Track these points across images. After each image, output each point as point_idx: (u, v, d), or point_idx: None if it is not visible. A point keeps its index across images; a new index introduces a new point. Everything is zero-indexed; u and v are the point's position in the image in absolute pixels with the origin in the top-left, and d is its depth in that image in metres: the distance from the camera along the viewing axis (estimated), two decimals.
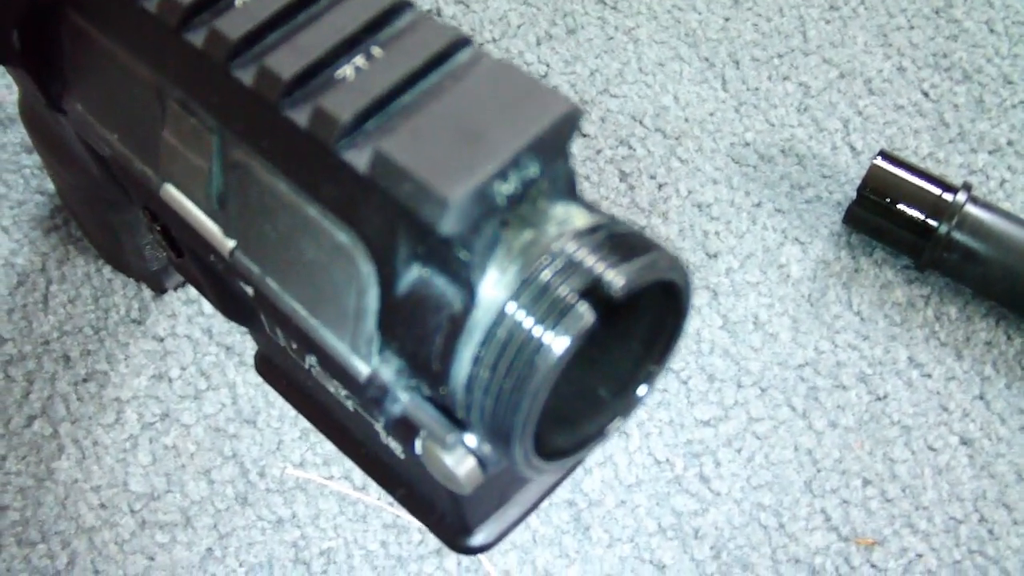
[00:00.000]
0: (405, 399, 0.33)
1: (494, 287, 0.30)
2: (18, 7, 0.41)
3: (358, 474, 0.63)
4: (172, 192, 0.37)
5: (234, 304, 0.43)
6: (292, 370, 0.44)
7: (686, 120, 0.76)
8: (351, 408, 0.40)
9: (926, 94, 0.79)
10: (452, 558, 0.60)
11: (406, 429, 0.33)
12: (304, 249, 0.33)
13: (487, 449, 0.33)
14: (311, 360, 0.38)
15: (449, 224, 0.28)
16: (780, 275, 0.70)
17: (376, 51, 0.32)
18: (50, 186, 0.72)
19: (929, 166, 0.75)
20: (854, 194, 0.70)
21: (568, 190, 0.32)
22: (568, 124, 0.30)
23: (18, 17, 0.41)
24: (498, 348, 0.30)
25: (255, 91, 0.32)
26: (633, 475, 0.63)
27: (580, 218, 0.31)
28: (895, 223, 0.69)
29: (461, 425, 0.32)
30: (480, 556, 0.60)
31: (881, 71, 0.80)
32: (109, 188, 0.49)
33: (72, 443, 0.64)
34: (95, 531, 0.62)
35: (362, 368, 0.33)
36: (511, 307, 0.30)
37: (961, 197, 0.68)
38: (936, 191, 0.69)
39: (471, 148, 0.28)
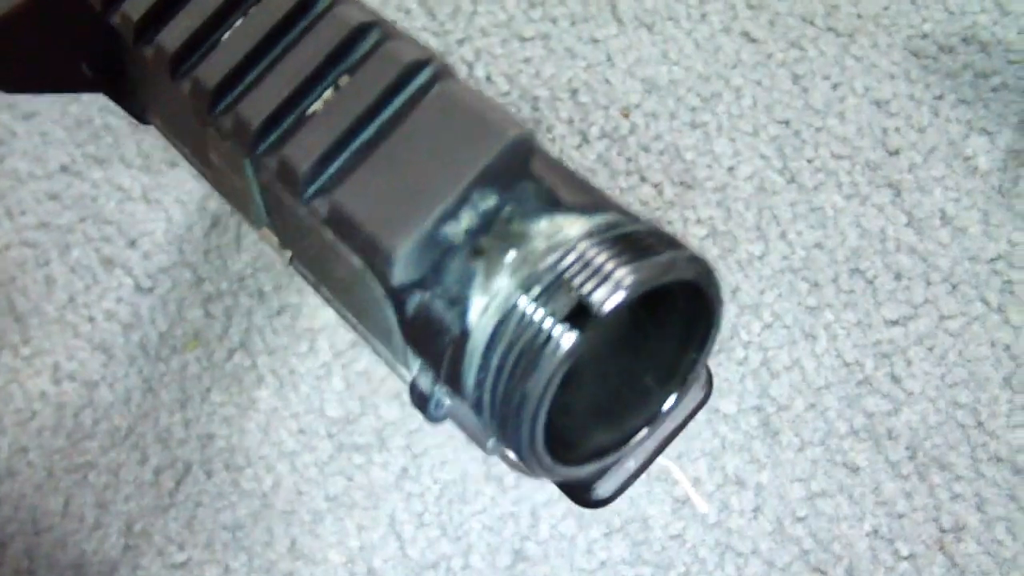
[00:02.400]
0: (447, 403, 0.33)
1: (483, 313, 0.30)
2: (84, 40, 0.43)
3: None
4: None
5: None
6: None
7: (859, 16, 0.73)
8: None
9: None
10: None
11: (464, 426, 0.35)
12: (335, 266, 0.34)
13: None
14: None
15: (399, 274, 0.29)
16: (967, 168, 0.67)
17: (343, 80, 0.32)
18: None
19: None
20: None
21: (549, 203, 0.30)
22: (519, 150, 0.29)
23: (86, 48, 0.43)
24: (493, 372, 0.30)
25: (231, 133, 0.33)
26: (822, 378, 0.62)
27: (572, 226, 0.30)
28: None
29: None
30: (670, 464, 0.60)
31: None
32: None
33: (270, 373, 0.67)
34: (296, 455, 0.64)
35: (406, 374, 0.34)
36: (500, 331, 0.29)
37: None
38: None
39: (417, 192, 0.28)
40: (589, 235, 0.30)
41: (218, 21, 0.35)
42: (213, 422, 0.66)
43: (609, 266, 0.28)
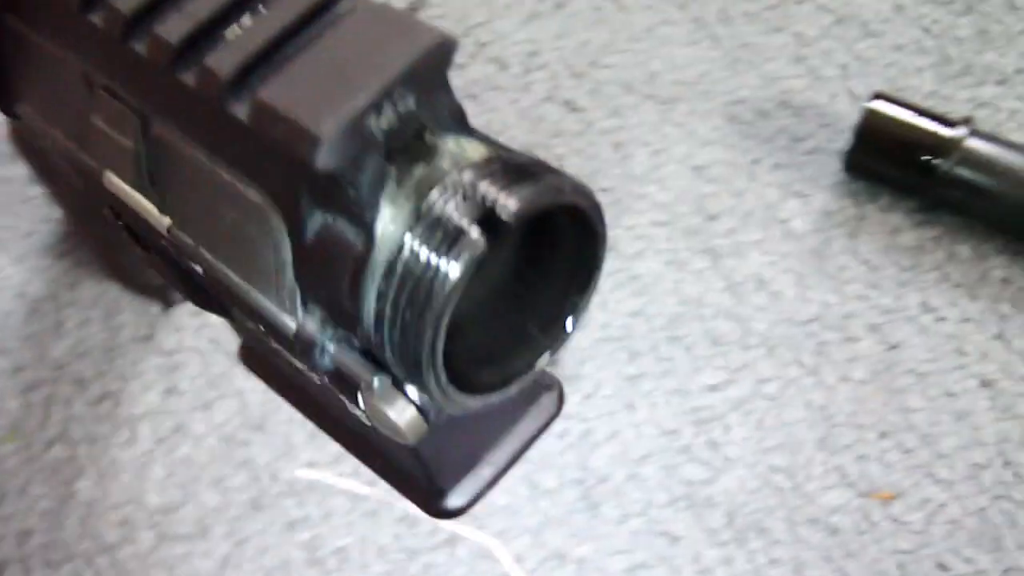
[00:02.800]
0: (332, 349, 0.33)
1: (391, 222, 0.30)
2: None
3: (366, 470, 0.63)
4: (112, 179, 0.38)
5: (196, 289, 0.44)
6: (266, 352, 0.45)
7: (678, 84, 0.75)
8: (318, 381, 0.40)
9: (927, 30, 0.76)
10: (464, 546, 0.60)
11: (347, 385, 0.34)
12: (224, 213, 0.34)
13: (419, 394, 0.34)
14: (259, 328, 0.39)
15: (324, 159, 0.28)
16: (783, 231, 0.69)
17: (261, 9, 0.33)
18: (57, 213, 0.73)
19: (933, 104, 0.73)
20: None
21: (457, 123, 0.32)
22: (440, 55, 0.30)
23: None
24: (398, 281, 0.30)
25: (148, 59, 0.33)
26: (642, 447, 0.62)
27: (475, 150, 0.32)
28: (896, 165, 0.67)
29: (385, 368, 0.33)
30: (492, 543, 0.60)
31: (879, 12, 0.77)
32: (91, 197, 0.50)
33: (91, 463, 0.65)
34: (116, 548, 0.63)
35: (290, 323, 0.34)
36: (407, 239, 0.30)
37: (961, 131, 0.66)
38: (934, 127, 0.66)
39: (342, 86, 0.29)
40: (490, 160, 0.31)
41: None
42: (31, 517, 0.64)
43: (513, 183, 0.30)
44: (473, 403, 0.34)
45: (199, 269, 0.38)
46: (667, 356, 0.65)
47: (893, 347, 0.65)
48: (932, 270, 0.67)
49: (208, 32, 0.32)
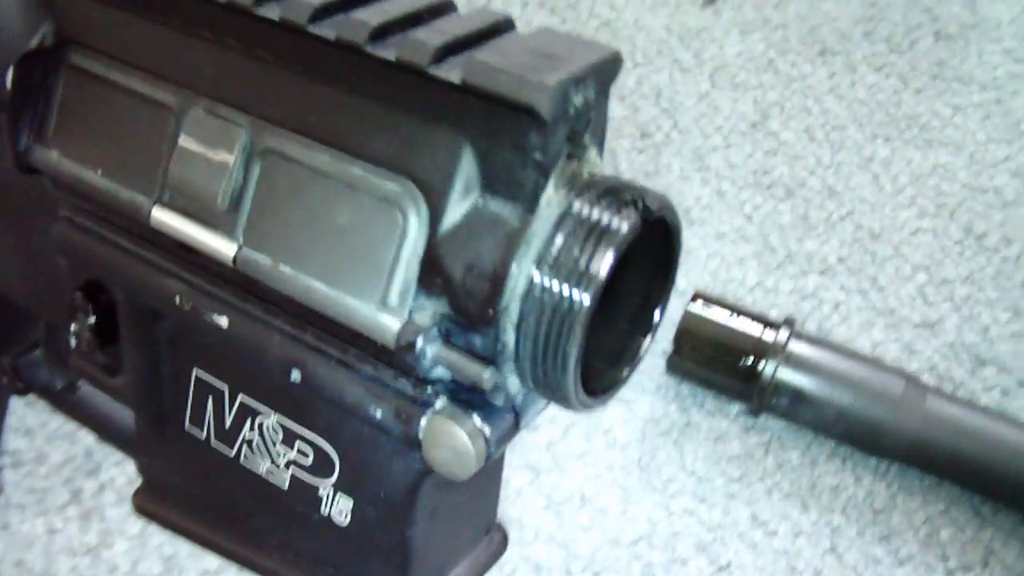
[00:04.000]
0: (434, 349, 0.34)
1: (548, 204, 0.32)
2: (16, 47, 0.42)
3: None
4: (163, 214, 0.39)
5: (158, 384, 0.43)
6: (199, 479, 0.44)
7: None
8: (287, 485, 0.40)
9: (749, 217, 0.75)
10: None
11: (412, 409, 0.35)
12: (336, 216, 0.35)
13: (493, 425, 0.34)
14: (296, 375, 0.38)
15: (547, 107, 0.30)
16: (606, 441, 0.65)
17: (443, 23, 0.35)
18: None
19: (757, 297, 0.71)
20: None
21: (601, 139, 0.34)
22: (615, 64, 0.33)
23: (15, 57, 0.41)
24: (555, 257, 0.32)
25: (340, 40, 0.34)
26: None
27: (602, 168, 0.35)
28: (717, 370, 0.65)
29: (496, 367, 0.33)
30: None
31: (700, 198, 0.76)
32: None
33: None
34: None
35: (392, 323, 0.34)
36: (575, 205, 0.32)
37: (783, 334, 0.64)
38: (756, 330, 0.64)
39: (550, 63, 0.32)
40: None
41: None
42: None
43: (641, 191, 0.32)
44: (593, 403, 0.35)
45: (223, 322, 0.38)
46: None
47: (723, 568, 0.61)
48: (761, 479, 0.64)
49: (397, 28, 0.34)
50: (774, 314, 0.66)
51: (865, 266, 0.73)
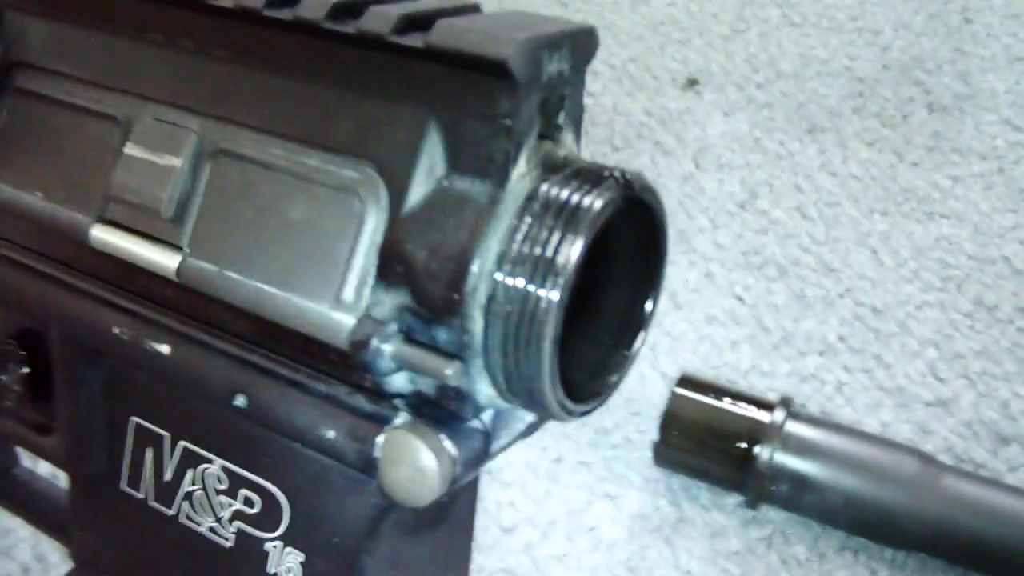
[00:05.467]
0: (391, 347, 0.31)
1: (519, 180, 0.30)
2: None
3: None
4: (103, 232, 0.37)
5: (93, 440, 0.41)
6: (136, 549, 0.41)
7: None
8: (232, 542, 0.37)
9: (740, 299, 0.70)
10: None
11: (369, 427, 0.32)
12: (290, 213, 0.34)
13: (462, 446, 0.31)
14: (241, 400, 0.36)
15: (517, 64, 0.29)
16: (591, 541, 0.59)
17: (405, 3, 0.33)
18: None
19: (753, 381, 0.65)
20: None
21: (576, 123, 0.33)
22: (591, 40, 0.32)
23: None
24: (535, 218, 0.30)
25: (297, 19, 0.33)
26: None
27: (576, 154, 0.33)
28: (709, 457, 0.59)
29: (462, 361, 0.31)
30: None
31: (687, 281, 0.71)
32: None
33: None
34: None
35: (347, 321, 0.32)
36: (543, 187, 0.30)
37: (779, 415, 0.58)
38: (750, 412, 0.59)
39: (523, 26, 0.30)
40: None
41: None
42: None
43: (621, 171, 0.31)
44: (577, 409, 0.32)
45: (165, 349, 0.36)
46: None
47: None
48: None
49: (360, 4, 0.33)
50: (772, 398, 0.61)
51: (868, 344, 0.67)
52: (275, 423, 0.35)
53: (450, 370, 0.31)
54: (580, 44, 0.32)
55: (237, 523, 0.37)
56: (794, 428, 0.58)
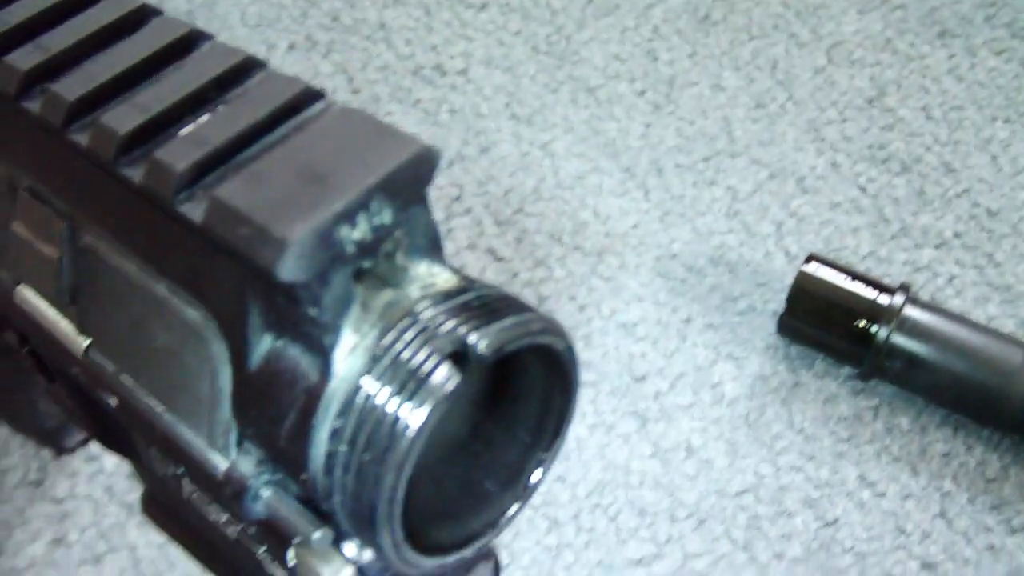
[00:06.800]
0: (266, 495, 0.30)
1: (351, 353, 0.28)
2: None
3: None
4: (25, 294, 0.35)
5: (104, 425, 0.40)
6: (175, 504, 0.40)
7: (607, 235, 0.72)
8: (232, 536, 0.36)
9: (863, 189, 0.74)
10: None
11: (276, 537, 0.30)
12: (155, 335, 0.31)
13: (365, 555, 0.30)
14: (176, 471, 0.35)
15: (289, 269, 0.25)
16: (714, 395, 0.65)
17: (222, 109, 0.30)
18: None
19: (870, 266, 0.70)
20: None
21: (431, 247, 0.29)
22: (423, 166, 0.28)
23: None
24: (356, 420, 0.27)
25: (90, 151, 0.30)
26: None
27: (445, 280, 0.29)
28: (830, 332, 0.64)
29: (329, 522, 0.30)
30: None
31: (814, 168, 0.75)
32: None
33: None
34: None
35: (220, 463, 0.30)
36: (368, 376, 0.27)
37: (898, 299, 0.63)
38: (871, 294, 0.64)
39: (314, 191, 0.26)
40: (461, 291, 0.29)
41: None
42: None
43: (486, 319, 0.28)
44: (428, 564, 0.30)
45: (113, 402, 0.34)
46: (590, 526, 0.60)
47: (830, 524, 0.61)
48: (870, 442, 0.64)
49: (161, 126, 0.29)
50: (888, 283, 0.66)
51: (981, 243, 0.72)
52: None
53: (318, 534, 0.29)
54: (405, 181, 0.28)
55: (231, 527, 0.36)
56: (911, 312, 0.63)
